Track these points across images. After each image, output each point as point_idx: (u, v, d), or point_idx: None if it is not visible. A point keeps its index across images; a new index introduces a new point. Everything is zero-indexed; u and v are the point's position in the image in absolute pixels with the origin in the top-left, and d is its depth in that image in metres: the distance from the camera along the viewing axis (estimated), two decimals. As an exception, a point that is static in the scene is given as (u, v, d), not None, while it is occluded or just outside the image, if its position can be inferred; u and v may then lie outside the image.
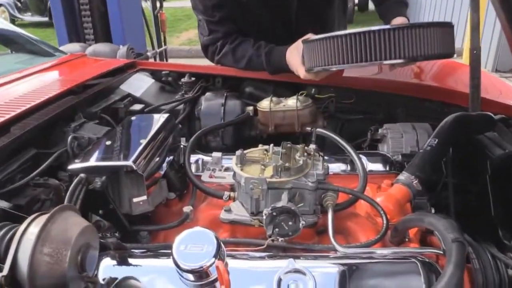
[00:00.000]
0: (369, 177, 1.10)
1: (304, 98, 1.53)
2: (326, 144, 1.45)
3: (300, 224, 0.86)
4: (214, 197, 1.06)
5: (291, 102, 1.51)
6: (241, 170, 0.96)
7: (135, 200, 0.99)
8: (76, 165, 0.93)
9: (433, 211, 1.13)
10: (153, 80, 1.69)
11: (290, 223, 0.85)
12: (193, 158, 1.26)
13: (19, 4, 13.66)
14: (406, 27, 1.03)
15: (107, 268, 0.83)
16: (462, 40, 6.08)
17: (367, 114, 1.61)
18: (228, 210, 0.99)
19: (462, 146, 1.24)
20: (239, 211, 0.98)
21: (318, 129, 1.27)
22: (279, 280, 0.76)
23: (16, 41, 1.97)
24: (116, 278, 0.78)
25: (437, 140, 1.15)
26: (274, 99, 1.53)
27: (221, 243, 0.77)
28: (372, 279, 0.80)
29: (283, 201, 0.89)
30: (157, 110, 1.46)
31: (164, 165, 1.11)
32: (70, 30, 4.03)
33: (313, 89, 1.65)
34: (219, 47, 1.67)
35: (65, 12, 3.99)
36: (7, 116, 1.00)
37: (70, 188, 0.88)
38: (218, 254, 0.74)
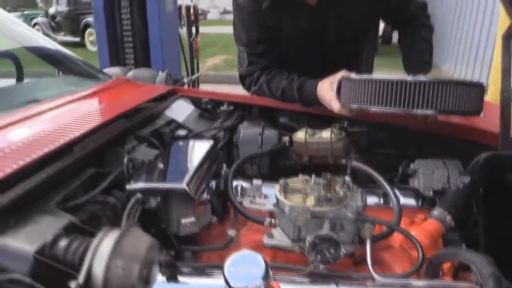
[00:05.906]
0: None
1: (338, 131, 1.59)
2: (357, 176, 1.50)
3: (341, 252, 0.92)
4: (256, 222, 1.11)
5: (326, 134, 1.57)
6: (285, 198, 1.03)
7: (183, 221, 1.06)
8: (134, 185, 1.01)
9: (463, 247, 1.17)
10: (193, 107, 1.78)
11: (331, 250, 0.91)
12: (234, 183, 1.33)
13: (53, 24, 14.31)
14: (444, 82, 1.13)
15: (157, 284, 0.90)
16: (487, 76, 6.10)
17: (399, 150, 1.66)
18: (271, 236, 1.05)
19: (494, 185, 1.27)
20: (281, 237, 1.04)
21: (354, 162, 1.33)
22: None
23: (63, 62, 2.04)
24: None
25: (469, 178, 1.20)
26: (309, 130, 1.60)
27: (269, 266, 0.83)
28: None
29: (325, 230, 0.95)
30: (200, 136, 1.54)
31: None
32: (112, 54, 4.36)
33: (345, 122, 1.72)
34: (255, 78, 1.78)
35: (109, 38, 4.32)
36: (71, 137, 1.08)
37: (128, 207, 0.96)
38: (267, 276, 0.80)
